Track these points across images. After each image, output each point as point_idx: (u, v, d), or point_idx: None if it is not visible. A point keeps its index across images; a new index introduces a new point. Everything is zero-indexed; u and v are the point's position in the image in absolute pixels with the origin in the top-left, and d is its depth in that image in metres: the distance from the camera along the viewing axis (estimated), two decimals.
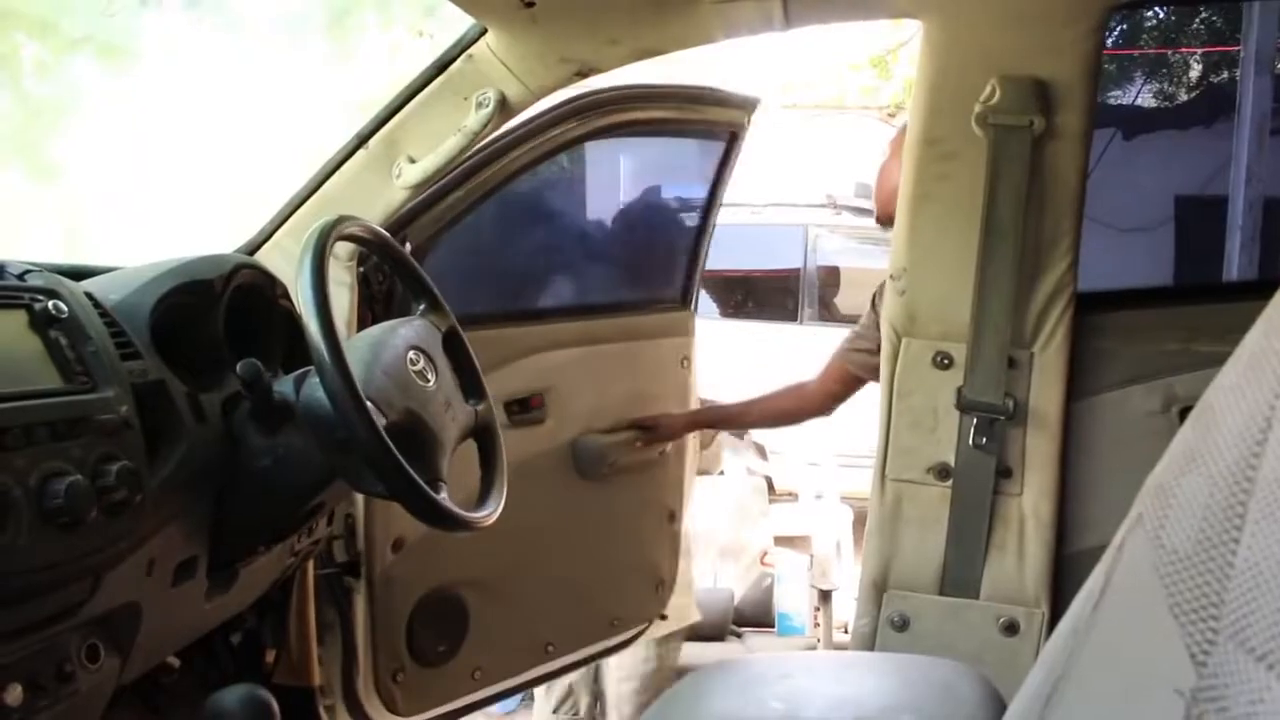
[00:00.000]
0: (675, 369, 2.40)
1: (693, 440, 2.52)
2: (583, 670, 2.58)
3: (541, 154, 2.03)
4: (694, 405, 2.45)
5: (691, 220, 2.49)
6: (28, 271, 1.15)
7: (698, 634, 2.89)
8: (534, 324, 2.18)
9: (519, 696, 2.87)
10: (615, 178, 2.62)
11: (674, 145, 2.54)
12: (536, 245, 2.40)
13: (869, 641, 1.79)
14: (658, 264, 2.54)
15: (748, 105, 2.33)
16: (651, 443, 2.31)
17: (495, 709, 2.90)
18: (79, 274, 1.30)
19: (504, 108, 1.62)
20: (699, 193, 2.43)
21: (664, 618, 2.48)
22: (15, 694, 1.00)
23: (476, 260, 2.23)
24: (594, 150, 2.31)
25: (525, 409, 2.10)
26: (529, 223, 2.37)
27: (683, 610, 2.55)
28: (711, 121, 2.30)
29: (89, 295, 1.19)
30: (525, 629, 2.17)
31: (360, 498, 1.80)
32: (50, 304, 1.10)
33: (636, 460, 2.30)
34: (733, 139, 2.34)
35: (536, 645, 2.20)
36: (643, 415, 2.28)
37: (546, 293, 2.42)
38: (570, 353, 2.16)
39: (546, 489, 2.13)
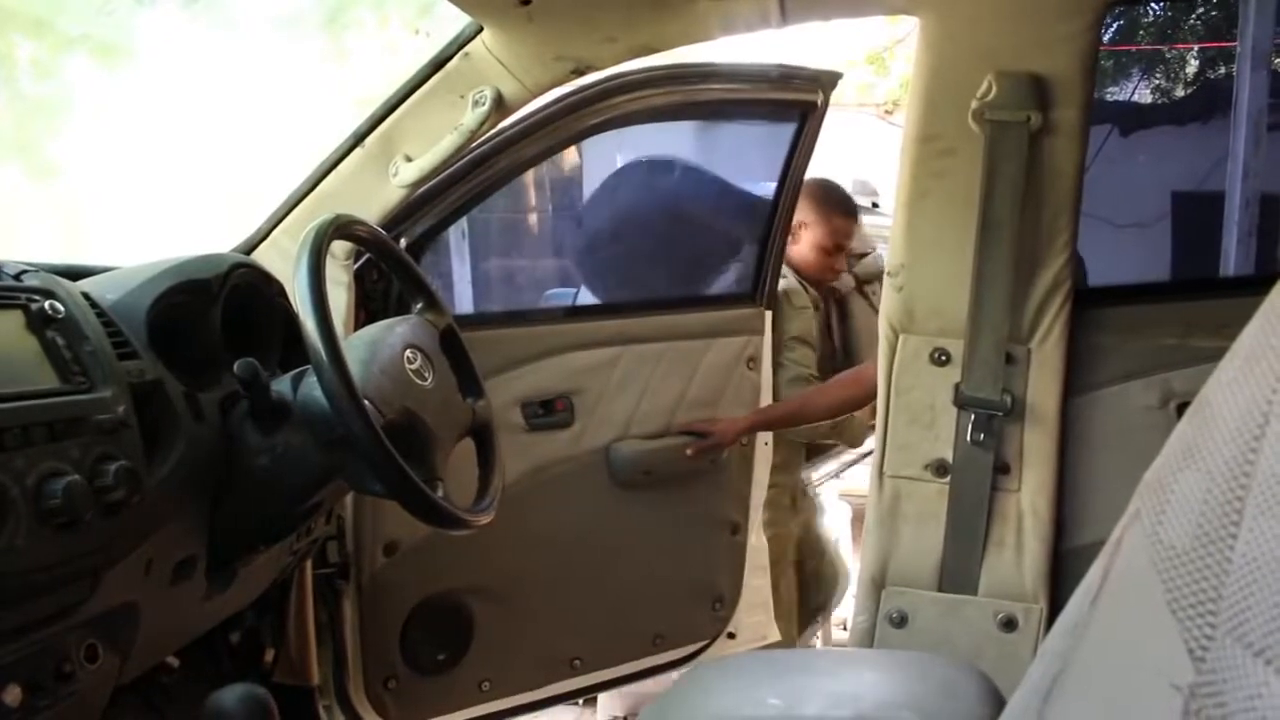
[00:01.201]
0: (740, 370, 2.21)
1: (763, 447, 2.34)
2: None
3: (573, 135, 1.91)
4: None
5: (759, 209, 2.29)
6: (24, 271, 1.15)
7: None
8: (556, 323, 2.06)
9: None
10: (665, 165, 2.43)
11: (735, 127, 2.34)
12: (563, 239, 2.26)
13: (867, 638, 1.79)
14: (715, 257, 2.36)
15: (822, 81, 2.14)
16: (704, 450, 2.14)
17: None
18: (76, 274, 1.30)
19: (500, 105, 1.61)
20: (766, 178, 2.25)
21: (732, 636, 2.31)
22: (14, 694, 1.00)
23: (492, 258, 2.15)
24: (639, 134, 2.15)
25: (548, 411, 1.99)
26: (557, 215, 2.24)
27: (757, 628, 2.37)
28: (778, 100, 2.13)
29: (86, 295, 1.19)
30: (545, 642, 2.06)
31: (350, 500, 1.79)
32: (47, 304, 1.09)
33: (687, 468, 2.14)
34: (805, 119, 2.16)
35: (559, 660, 2.09)
36: (695, 420, 2.14)
37: (573, 289, 2.25)
38: (604, 353, 2.04)
39: (572, 497, 2.03)
